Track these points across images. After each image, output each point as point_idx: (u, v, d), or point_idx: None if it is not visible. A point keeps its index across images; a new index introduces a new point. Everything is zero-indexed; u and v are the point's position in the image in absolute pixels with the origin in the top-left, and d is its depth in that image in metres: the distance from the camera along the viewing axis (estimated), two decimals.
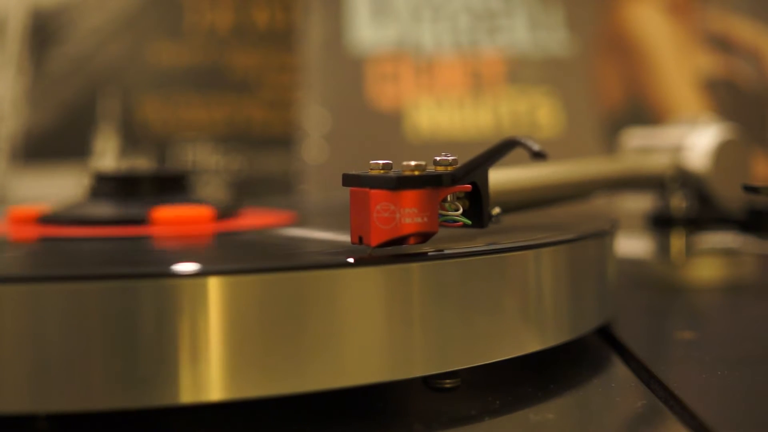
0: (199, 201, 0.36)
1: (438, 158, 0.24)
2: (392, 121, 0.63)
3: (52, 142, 0.69)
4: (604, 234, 0.31)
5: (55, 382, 0.20)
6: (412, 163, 0.23)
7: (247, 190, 0.69)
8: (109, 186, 0.35)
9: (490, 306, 0.24)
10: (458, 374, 0.24)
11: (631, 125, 0.48)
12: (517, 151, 0.24)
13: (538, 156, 0.23)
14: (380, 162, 0.23)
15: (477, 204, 0.25)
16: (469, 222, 0.25)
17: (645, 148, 0.43)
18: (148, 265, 0.24)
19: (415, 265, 0.23)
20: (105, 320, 0.20)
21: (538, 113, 0.62)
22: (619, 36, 0.63)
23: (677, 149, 0.41)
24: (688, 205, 0.41)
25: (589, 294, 0.29)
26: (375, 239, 0.23)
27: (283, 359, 0.21)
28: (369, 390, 0.23)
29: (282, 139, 0.71)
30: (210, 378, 0.21)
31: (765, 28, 0.62)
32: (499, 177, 0.27)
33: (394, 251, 0.23)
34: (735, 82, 0.61)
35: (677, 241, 0.42)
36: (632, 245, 0.47)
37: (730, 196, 0.41)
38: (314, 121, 0.63)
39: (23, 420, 0.21)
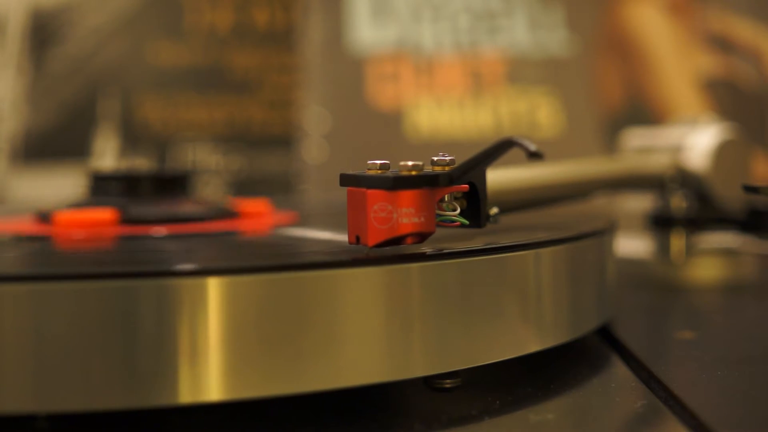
0: (197, 201, 0.36)
1: (435, 158, 0.24)
2: (392, 121, 0.63)
3: (52, 142, 0.69)
4: (603, 234, 0.31)
5: (54, 382, 0.20)
6: (410, 163, 0.23)
7: (247, 190, 0.69)
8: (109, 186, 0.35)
9: (489, 306, 0.24)
10: (458, 374, 0.24)
11: (631, 125, 0.48)
12: (516, 152, 0.24)
13: (535, 156, 0.23)
14: (378, 162, 0.23)
15: (474, 204, 0.25)
16: (467, 222, 0.25)
17: (645, 148, 0.43)
18: (147, 265, 0.24)
19: (414, 266, 0.23)
20: (105, 320, 0.20)
21: (538, 113, 0.62)
22: (619, 36, 0.63)
23: (677, 149, 0.41)
24: (688, 205, 0.41)
25: (588, 294, 0.29)
26: (372, 239, 0.23)
27: (282, 359, 0.21)
28: (369, 390, 0.23)
29: (282, 139, 0.71)
30: (209, 378, 0.21)
31: (765, 28, 0.62)
32: (497, 177, 0.27)
33: (393, 251, 0.23)
34: (735, 82, 0.61)
35: (677, 241, 0.42)
36: (632, 245, 0.47)
37: (730, 196, 0.41)
38: (314, 121, 0.63)
39: (23, 420, 0.21)
